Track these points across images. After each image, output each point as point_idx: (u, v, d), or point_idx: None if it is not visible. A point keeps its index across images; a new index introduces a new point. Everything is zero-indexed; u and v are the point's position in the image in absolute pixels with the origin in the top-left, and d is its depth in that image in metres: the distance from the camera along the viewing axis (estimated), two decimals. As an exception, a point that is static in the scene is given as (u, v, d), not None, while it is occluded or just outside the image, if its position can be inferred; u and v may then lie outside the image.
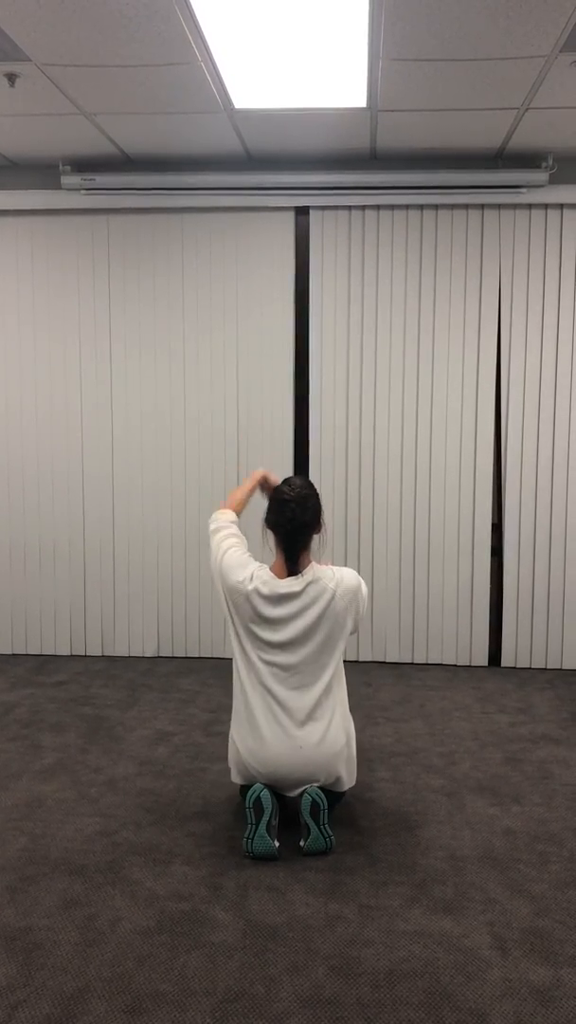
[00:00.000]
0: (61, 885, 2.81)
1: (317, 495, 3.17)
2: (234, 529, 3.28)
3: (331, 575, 3.11)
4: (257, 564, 3.15)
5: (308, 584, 3.05)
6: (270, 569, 3.12)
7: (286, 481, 3.19)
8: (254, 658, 3.09)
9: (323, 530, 3.18)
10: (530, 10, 3.13)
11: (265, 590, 3.05)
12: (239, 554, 3.18)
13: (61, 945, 2.50)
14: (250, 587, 3.05)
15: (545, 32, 3.32)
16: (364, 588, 3.19)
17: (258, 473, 3.44)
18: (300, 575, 3.07)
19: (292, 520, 3.07)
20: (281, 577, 3.08)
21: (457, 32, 3.32)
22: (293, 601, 3.04)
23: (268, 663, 3.07)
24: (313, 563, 3.13)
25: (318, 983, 2.33)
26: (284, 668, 3.05)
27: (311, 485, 3.19)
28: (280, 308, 5.17)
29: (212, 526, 3.30)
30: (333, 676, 3.09)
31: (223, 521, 3.30)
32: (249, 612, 3.06)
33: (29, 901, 2.72)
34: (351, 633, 3.15)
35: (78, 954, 2.45)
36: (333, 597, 3.06)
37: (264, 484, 3.42)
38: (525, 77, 3.76)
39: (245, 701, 3.09)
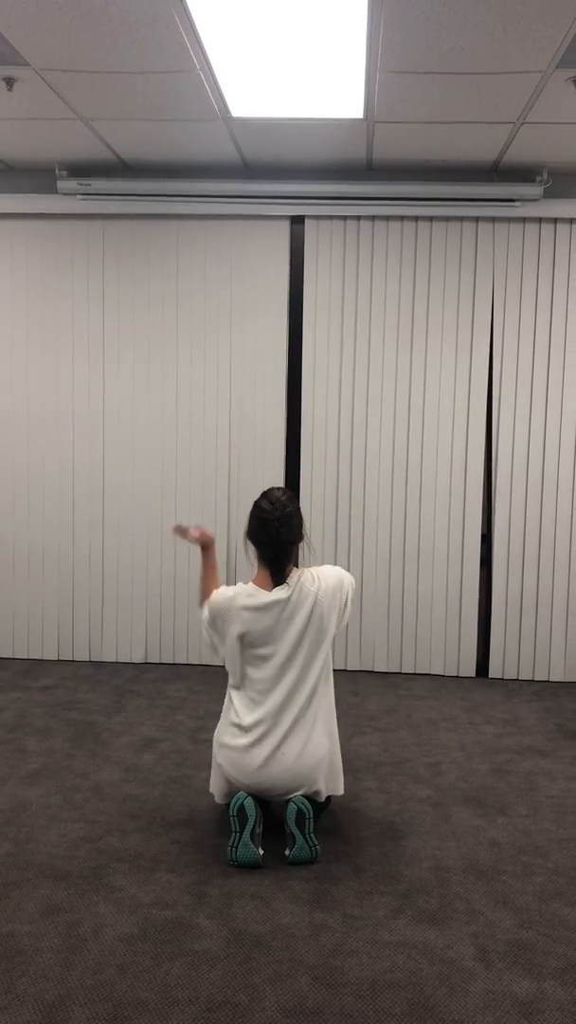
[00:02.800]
0: (44, 891, 2.79)
1: (298, 508, 3.16)
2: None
3: (312, 578, 3.11)
4: (233, 590, 3.15)
5: (293, 591, 3.06)
6: (253, 582, 3.12)
7: (265, 496, 3.14)
8: (241, 670, 3.09)
9: (306, 539, 3.19)
10: (527, 26, 3.16)
11: (251, 602, 3.05)
12: (218, 613, 3.16)
13: (43, 952, 2.48)
14: (238, 602, 3.07)
15: (541, 48, 3.34)
16: (348, 578, 3.20)
17: (202, 542, 3.30)
18: (286, 584, 3.07)
19: (276, 540, 3.07)
20: (266, 589, 3.08)
21: (454, 46, 3.35)
22: (281, 609, 3.04)
23: (255, 675, 3.07)
24: (296, 569, 3.13)
25: (301, 993, 2.32)
26: (270, 679, 3.05)
27: (293, 499, 3.16)
28: (274, 316, 5.18)
29: (204, 624, 3.22)
30: (318, 683, 3.09)
31: (204, 621, 3.22)
32: (239, 625, 3.06)
33: (12, 907, 2.70)
34: (340, 625, 3.16)
35: (60, 961, 2.44)
36: (316, 600, 3.06)
37: (204, 545, 3.32)
38: (521, 92, 3.79)
39: (234, 713, 3.09)
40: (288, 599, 3.05)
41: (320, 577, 3.12)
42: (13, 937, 2.55)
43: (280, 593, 3.05)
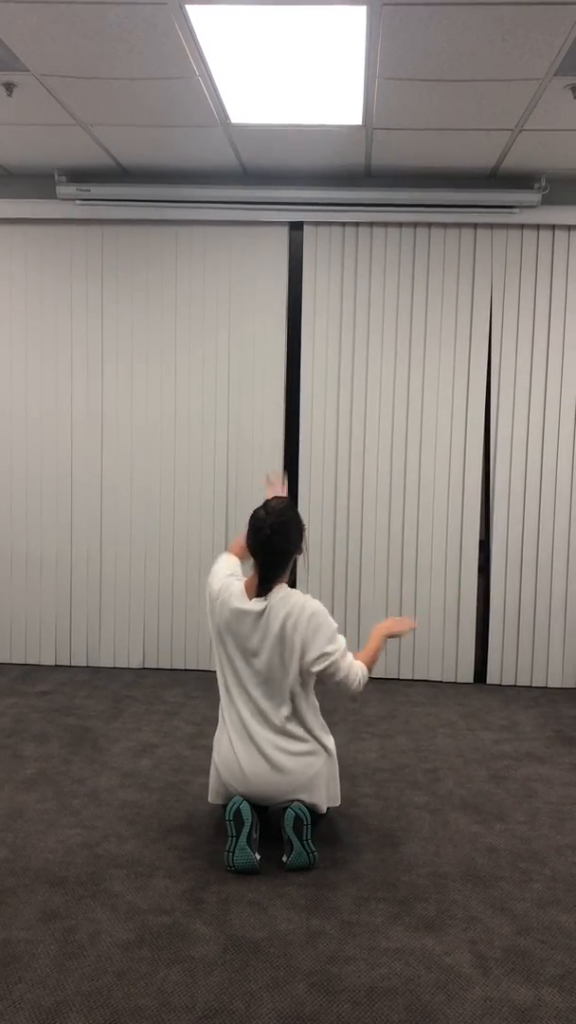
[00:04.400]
0: (41, 897, 2.78)
1: (298, 519, 3.13)
2: (232, 562, 3.30)
3: (286, 603, 3.01)
4: (235, 576, 3.18)
5: (267, 607, 3.02)
6: (244, 584, 3.12)
7: (264, 506, 3.14)
8: (228, 674, 3.09)
9: (305, 551, 3.18)
10: (526, 33, 3.17)
11: (232, 602, 3.06)
12: (222, 566, 3.25)
13: (39, 958, 2.47)
14: (223, 593, 3.09)
15: (540, 55, 3.35)
16: (325, 625, 3.01)
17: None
18: (265, 598, 3.04)
19: (269, 548, 3.05)
20: (250, 595, 3.07)
21: (453, 53, 3.36)
22: (255, 620, 3.03)
23: (238, 678, 3.07)
24: (283, 587, 3.07)
25: (299, 999, 2.32)
26: (251, 685, 3.04)
27: (291, 508, 3.15)
28: (272, 322, 5.19)
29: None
30: (298, 699, 3.04)
31: (221, 562, 3.32)
32: (221, 620, 3.07)
33: (8, 913, 2.69)
34: (317, 663, 2.99)
35: (57, 967, 2.43)
36: (283, 624, 2.99)
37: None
38: (520, 99, 3.80)
39: (224, 719, 3.10)
40: (260, 613, 3.02)
41: (291, 602, 3.01)
42: (9, 943, 2.54)
43: (255, 605, 3.03)
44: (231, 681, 3.08)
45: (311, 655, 2.99)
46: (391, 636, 3.25)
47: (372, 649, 3.16)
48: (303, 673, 3.02)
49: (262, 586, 3.06)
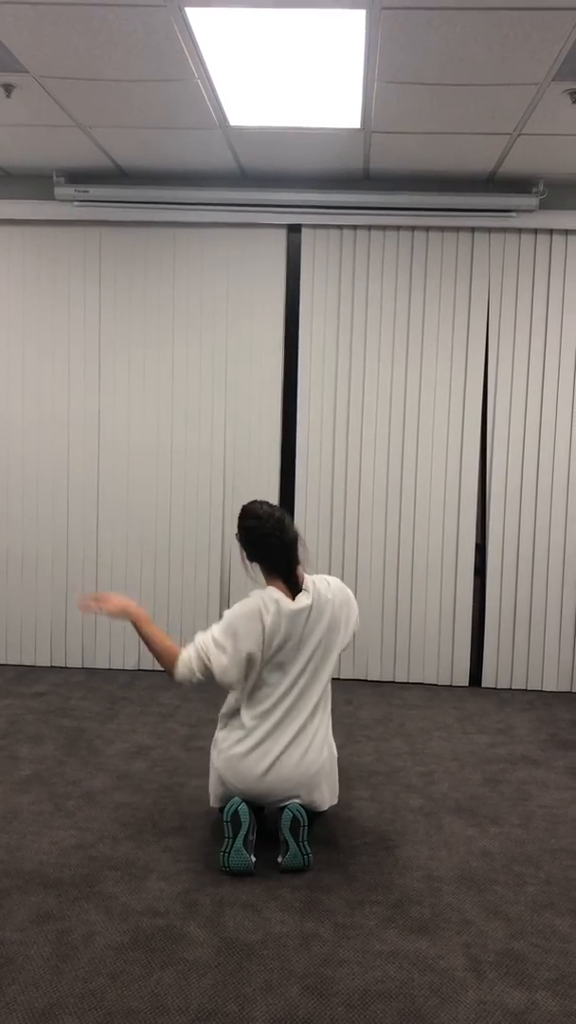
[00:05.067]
0: (35, 899, 2.78)
1: (283, 510, 3.19)
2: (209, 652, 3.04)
3: (326, 584, 3.14)
4: (256, 597, 3.06)
5: (314, 598, 3.07)
6: (276, 590, 3.09)
7: (252, 516, 3.11)
8: (256, 682, 3.06)
9: (301, 536, 3.19)
10: (525, 38, 3.18)
11: (287, 608, 3.02)
12: (240, 624, 3.03)
13: (33, 960, 2.47)
14: (272, 608, 3.01)
15: (539, 60, 3.36)
16: (353, 597, 3.26)
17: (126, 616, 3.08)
18: (304, 590, 3.08)
19: (281, 548, 3.07)
20: (288, 596, 3.07)
21: (452, 57, 3.37)
22: (307, 616, 3.04)
23: (271, 679, 3.05)
24: (307, 576, 3.13)
25: (292, 1002, 2.31)
26: (284, 686, 3.03)
27: (273, 505, 3.18)
28: (270, 324, 5.19)
29: (189, 673, 2.99)
30: (324, 694, 3.10)
31: (192, 663, 2.99)
32: (282, 630, 3.01)
33: (2, 915, 2.69)
34: (345, 644, 3.17)
35: (50, 969, 2.43)
36: (332, 608, 3.09)
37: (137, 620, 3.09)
38: (518, 103, 3.80)
39: (238, 718, 3.07)
40: (312, 606, 3.05)
41: (331, 584, 3.15)
42: (3, 945, 2.53)
43: (304, 600, 3.05)
44: (268, 681, 3.04)
45: (351, 628, 3.18)
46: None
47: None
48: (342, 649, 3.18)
49: (292, 583, 3.08)
